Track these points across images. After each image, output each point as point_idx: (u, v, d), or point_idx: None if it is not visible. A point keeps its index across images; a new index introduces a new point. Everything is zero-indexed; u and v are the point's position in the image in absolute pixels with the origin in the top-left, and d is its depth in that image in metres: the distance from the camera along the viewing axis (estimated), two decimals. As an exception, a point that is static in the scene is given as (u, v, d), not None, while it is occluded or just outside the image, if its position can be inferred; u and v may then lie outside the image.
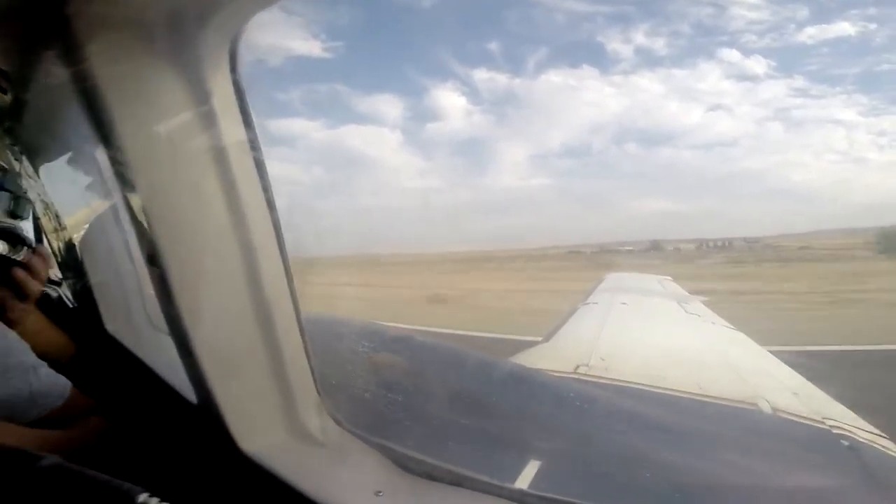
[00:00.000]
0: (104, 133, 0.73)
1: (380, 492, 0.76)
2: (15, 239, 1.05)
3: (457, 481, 0.78)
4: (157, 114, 0.75)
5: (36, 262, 1.09)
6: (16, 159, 1.50)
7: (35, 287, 1.10)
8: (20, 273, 1.06)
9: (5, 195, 1.06)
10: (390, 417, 1.08)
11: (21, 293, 1.08)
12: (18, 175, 1.18)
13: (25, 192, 1.24)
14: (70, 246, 1.71)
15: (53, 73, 0.97)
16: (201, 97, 0.75)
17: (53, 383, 1.01)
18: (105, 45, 0.69)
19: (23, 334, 1.03)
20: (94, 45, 0.69)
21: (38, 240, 1.49)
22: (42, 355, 1.02)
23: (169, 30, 0.71)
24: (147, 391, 1.24)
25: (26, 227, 1.15)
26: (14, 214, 1.09)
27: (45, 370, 1.01)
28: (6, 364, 0.92)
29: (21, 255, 1.07)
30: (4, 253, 1.04)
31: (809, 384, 2.49)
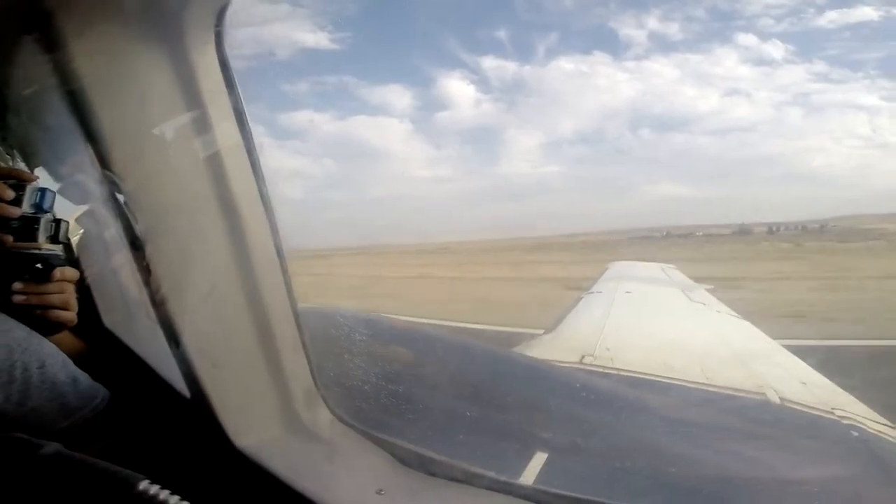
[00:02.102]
0: (89, 124, 0.71)
1: (381, 490, 0.73)
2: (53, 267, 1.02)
3: (461, 478, 0.76)
4: (142, 101, 0.72)
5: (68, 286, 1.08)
6: (8, 154, 1.48)
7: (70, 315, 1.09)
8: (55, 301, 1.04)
9: (47, 218, 1.01)
10: (391, 411, 1.06)
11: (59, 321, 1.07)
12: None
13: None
14: (66, 242, 1.69)
15: (36, 66, 0.95)
16: (187, 80, 0.72)
17: (91, 396, 1.00)
18: (86, 33, 0.67)
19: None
20: (75, 35, 0.67)
21: None
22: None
23: (151, 12, 0.69)
24: (145, 386, 1.23)
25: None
26: (55, 239, 1.04)
27: (83, 382, 1.00)
28: (42, 376, 0.92)
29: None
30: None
31: (817, 374, 2.47)
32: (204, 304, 0.78)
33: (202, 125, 0.75)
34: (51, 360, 0.95)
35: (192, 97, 0.74)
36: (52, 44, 0.68)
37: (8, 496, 0.43)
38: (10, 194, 0.93)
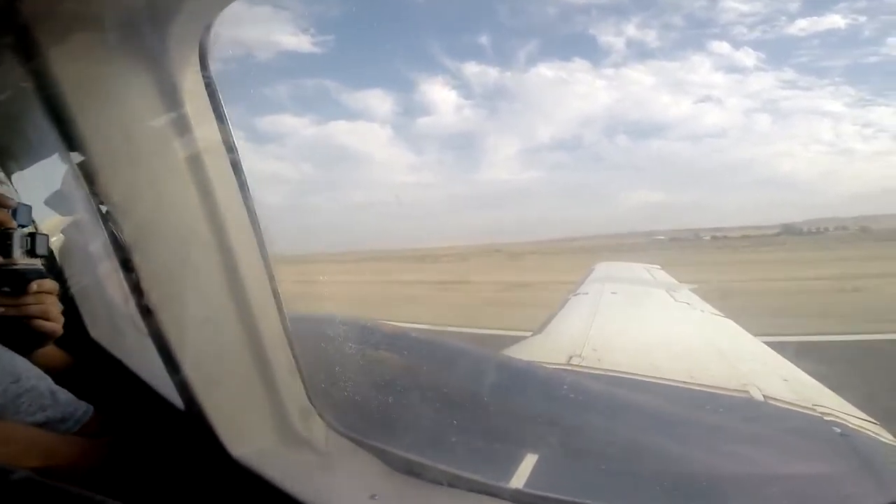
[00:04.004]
0: (71, 136, 0.70)
1: (375, 495, 0.74)
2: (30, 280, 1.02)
3: (452, 482, 0.77)
4: (125, 114, 0.72)
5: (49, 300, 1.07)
6: None
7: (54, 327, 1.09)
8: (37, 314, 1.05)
9: (21, 232, 1.01)
10: (382, 417, 1.06)
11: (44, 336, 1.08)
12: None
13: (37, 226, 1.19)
14: (49, 252, 1.66)
15: (17, 76, 0.94)
16: (170, 95, 0.72)
17: (73, 409, 1.01)
18: (68, 45, 0.66)
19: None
20: (56, 46, 0.66)
21: None
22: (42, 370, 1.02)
23: (133, 26, 0.68)
24: (134, 398, 1.21)
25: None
26: (32, 253, 1.04)
27: (63, 395, 1.00)
28: (18, 389, 0.93)
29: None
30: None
31: (799, 371, 2.51)
32: (193, 313, 0.78)
33: (185, 137, 0.75)
34: (26, 374, 0.96)
35: (175, 111, 0.74)
36: (30, 53, 0.67)
37: None
38: None
